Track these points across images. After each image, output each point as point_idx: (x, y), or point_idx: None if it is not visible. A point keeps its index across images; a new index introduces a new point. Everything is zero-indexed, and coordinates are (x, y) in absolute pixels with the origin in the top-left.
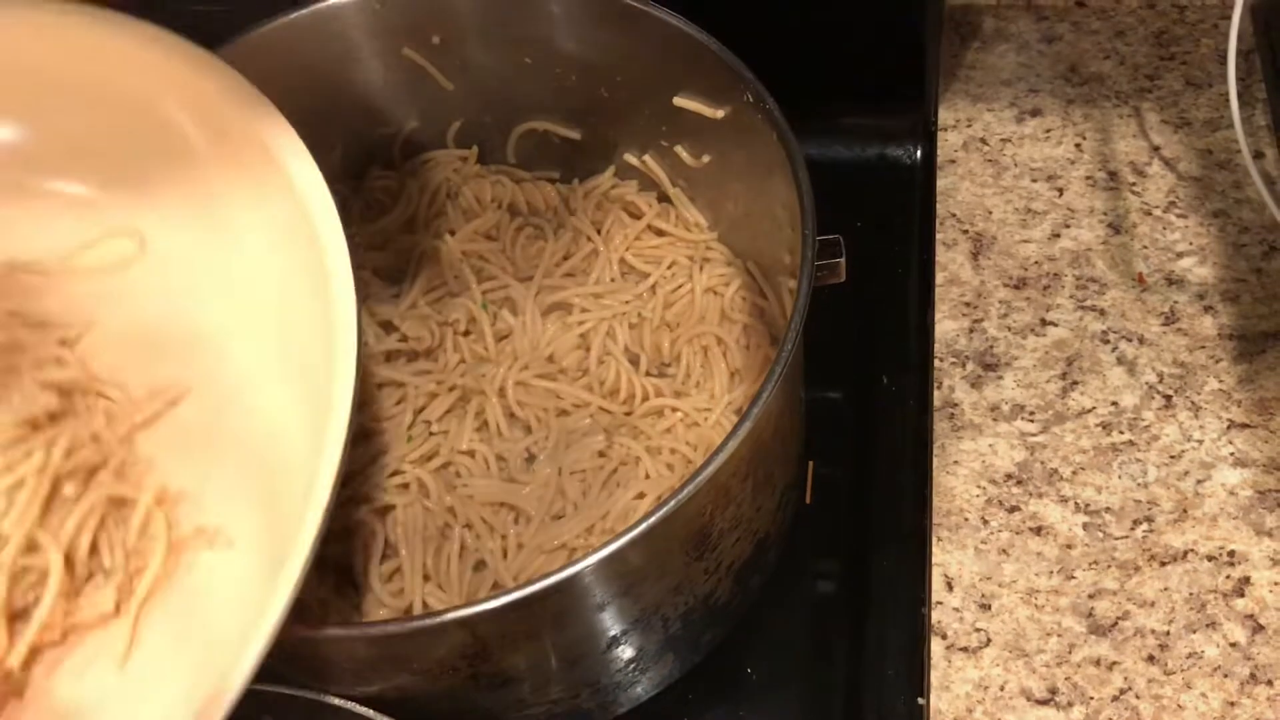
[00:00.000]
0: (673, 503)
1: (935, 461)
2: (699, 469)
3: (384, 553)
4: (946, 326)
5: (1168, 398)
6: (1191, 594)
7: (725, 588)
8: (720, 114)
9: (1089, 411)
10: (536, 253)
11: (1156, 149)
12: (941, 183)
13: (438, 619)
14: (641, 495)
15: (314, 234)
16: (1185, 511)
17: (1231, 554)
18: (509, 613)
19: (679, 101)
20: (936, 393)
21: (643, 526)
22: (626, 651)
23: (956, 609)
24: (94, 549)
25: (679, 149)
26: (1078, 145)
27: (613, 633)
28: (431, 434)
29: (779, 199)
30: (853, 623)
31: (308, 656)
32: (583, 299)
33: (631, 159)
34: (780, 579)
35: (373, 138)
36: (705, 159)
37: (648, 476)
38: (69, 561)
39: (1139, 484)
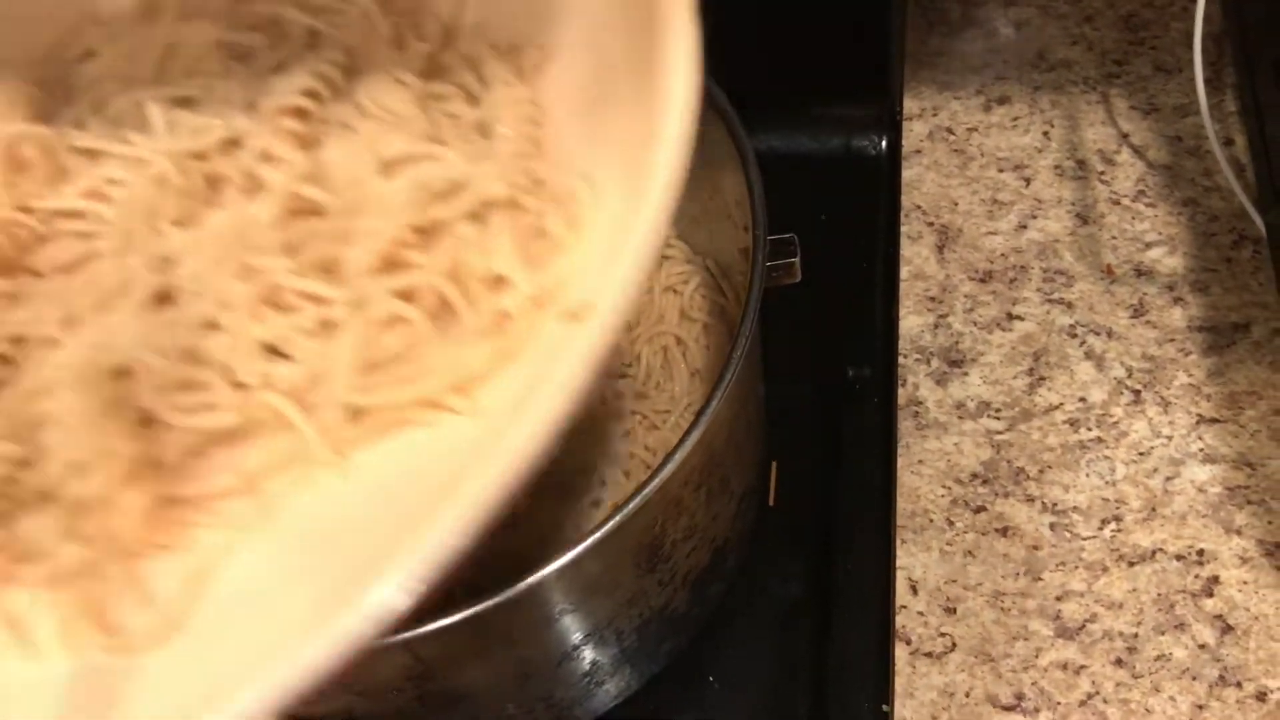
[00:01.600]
0: (618, 517)
1: (900, 461)
2: (644, 481)
3: None
4: (911, 322)
5: (1136, 393)
6: (1160, 594)
7: (682, 598)
8: None
9: (1056, 408)
10: None
11: (1125, 136)
12: (906, 174)
13: (380, 642)
14: (597, 503)
15: None
16: (1154, 510)
17: (1200, 553)
18: (449, 634)
19: None
20: (901, 390)
21: (586, 544)
22: (581, 665)
23: (921, 613)
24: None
25: None
26: (1045, 134)
27: (564, 648)
28: None
29: (732, 197)
30: (817, 628)
31: None
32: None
33: None
34: (743, 584)
35: None
36: None
37: (604, 483)
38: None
39: (1107, 482)
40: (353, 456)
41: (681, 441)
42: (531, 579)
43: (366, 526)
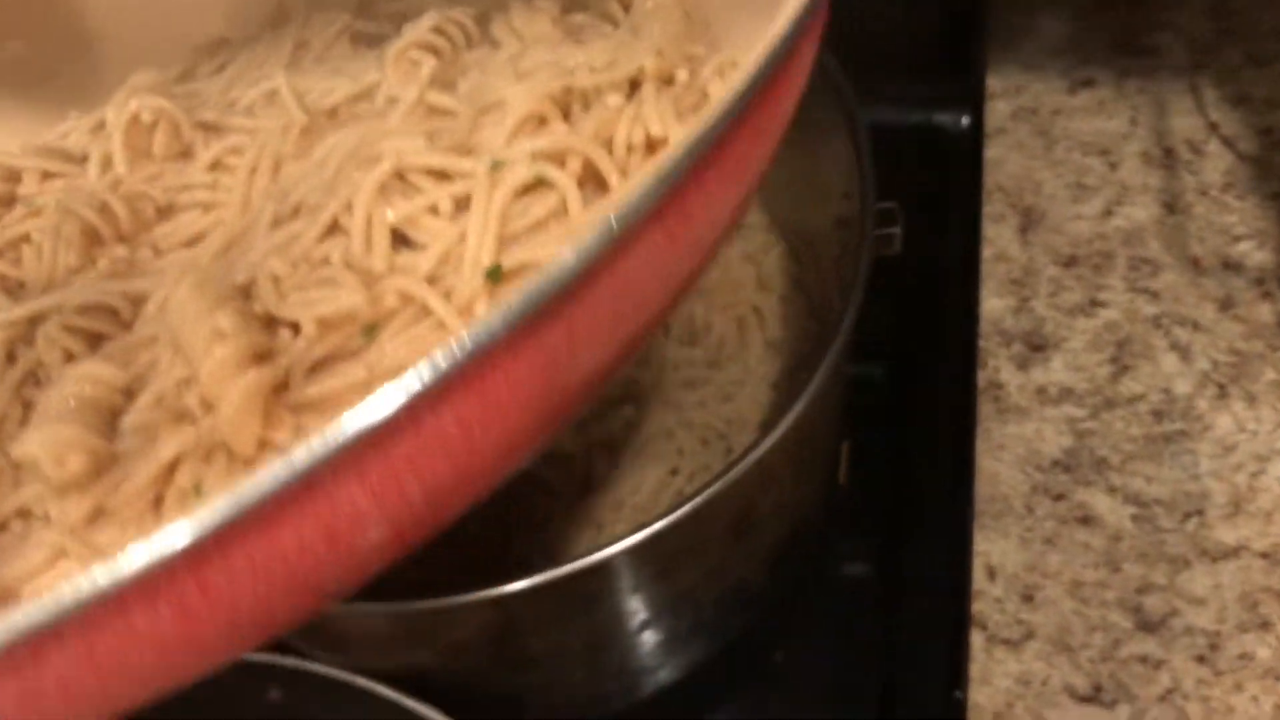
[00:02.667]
0: (718, 484)
1: (979, 445)
2: (747, 449)
3: None
4: (993, 304)
5: (1222, 386)
6: (1244, 592)
7: (761, 572)
8: None
9: (1140, 398)
10: None
11: (1214, 126)
12: (989, 153)
13: (468, 598)
14: (675, 470)
15: None
16: (1238, 506)
17: None
18: (535, 594)
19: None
20: (981, 373)
21: (688, 507)
22: (655, 636)
23: (998, 599)
24: None
25: None
26: (1132, 119)
27: (643, 616)
28: None
29: (831, 164)
30: (887, 610)
31: (325, 628)
32: None
33: None
34: (812, 562)
35: None
36: None
37: (681, 451)
38: None
39: (1190, 475)
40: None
41: (787, 411)
42: (625, 544)
43: None
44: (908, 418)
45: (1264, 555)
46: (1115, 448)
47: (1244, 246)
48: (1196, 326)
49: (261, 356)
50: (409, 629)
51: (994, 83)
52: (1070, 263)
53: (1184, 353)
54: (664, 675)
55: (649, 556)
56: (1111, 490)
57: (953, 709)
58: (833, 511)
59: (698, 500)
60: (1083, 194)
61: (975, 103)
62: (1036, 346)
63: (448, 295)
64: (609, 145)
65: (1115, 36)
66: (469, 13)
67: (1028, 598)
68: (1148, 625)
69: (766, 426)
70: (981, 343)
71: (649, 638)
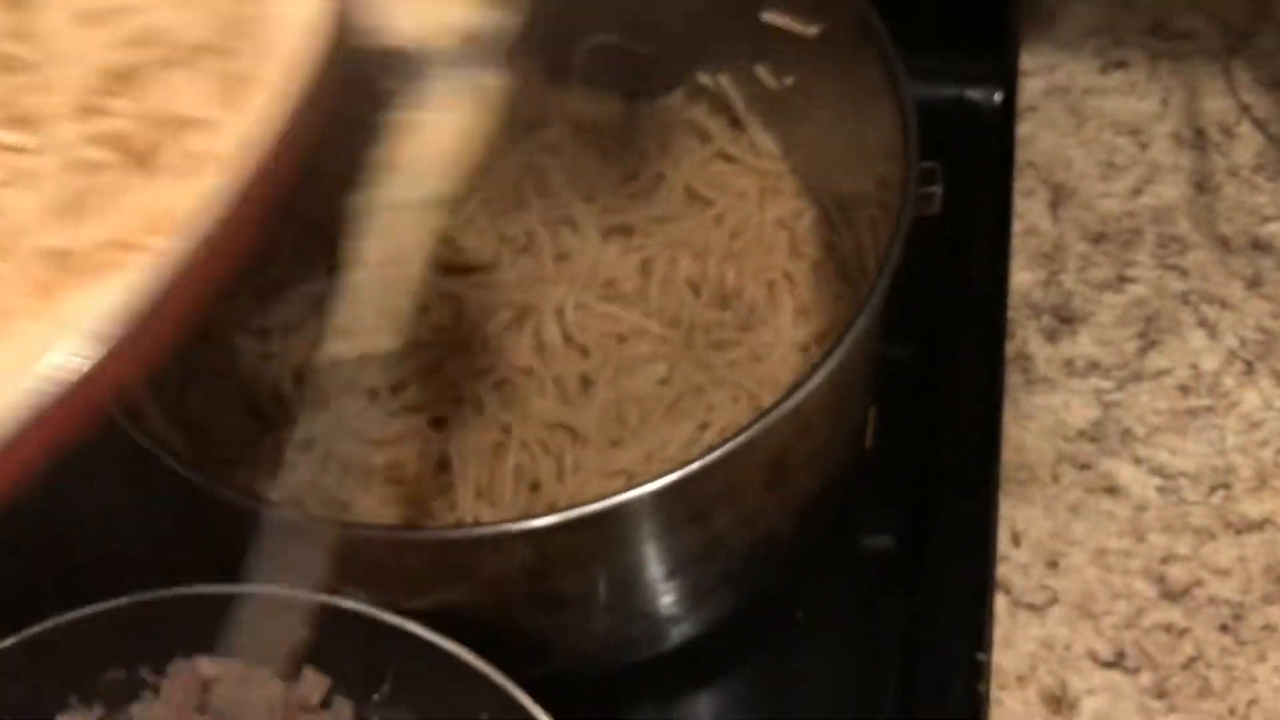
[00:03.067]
0: (758, 425)
1: (1006, 414)
2: (782, 396)
3: (436, 467)
4: (1022, 277)
5: (1249, 364)
6: (1269, 565)
7: (789, 524)
8: (813, 31)
9: (1167, 373)
10: (600, 172)
11: (1246, 109)
12: (1021, 130)
13: (500, 529)
14: (705, 425)
15: None
16: (1264, 481)
17: None
18: (572, 530)
19: (767, 17)
20: (1009, 344)
21: (725, 448)
22: (683, 584)
23: (1023, 565)
24: None
25: (760, 70)
26: (1164, 101)
27: (673, 562)
28: (487, 349)
29: (872, 124)
30: (911, 573)
31: (357, 561)
32: (646, 223)
33: (704, 79)
34: (837, 524)
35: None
36: (788, 81)
37: (711, 408)
38: None
39: (1216, 450)
40: (60, 305)
41: (831, 352)
42: (662, 481)
43: None
44: (935, 387)
45: None
46: (1141, 420)
47: (1273, 227)
48: (1224, 304)
49: None
50: (440, 562)
51: (1027, 60)
52: (1099, 239)
53: (1211, 330)
54: (688, 627)
55: (682, 500)
56: (1137, 461)
57: (975, 671)
58: (859, 477)
59: (732, 444)
60: (1113, 172)
61: (1008, 80)
62: (1065, 319)
63: (8, 258)
64: (159, 120)
65: (1149, 19)
66: None
67: (1052, 564)
68: (1171, 594)
69: (798, 384)
70: (1010, 314)
71: (677, 585)
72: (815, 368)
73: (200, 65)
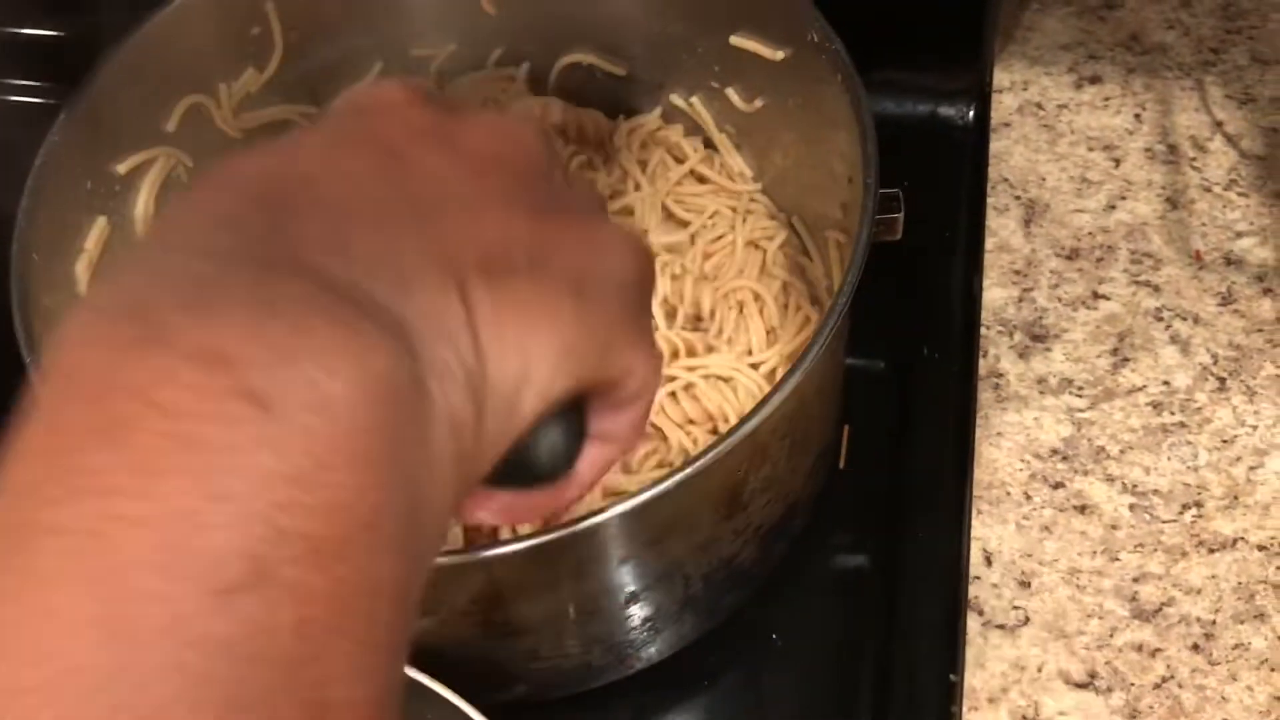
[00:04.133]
0: (710, 456)
1: (978, 432)
2: (740, 421)
3: None
4: (994, 294)
5: (1221, 380)
6: (1240, 583)
7: (750, 550)
8: (780, 55)
9: (1139, 390)
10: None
11: (1219, 124)
12: (994, 146)
13: (454, 560)
14: (652, 452)
15: None
16: (1236, 498)
17: None
18: (523, 558)
19: (736, 41)
20: (982, 361)
21: (677, 478)
22: (643, 609)
23: (995, 585)
24: None
25: (730, 92)
26: (1137, 116)
27: (631, 588)
28: None
29: (836, 148)
30: (884, 593)
31: None
32: None
33: (678, 100)
34: (810, 545)
35: (410, 58)
36: (758, 103)
37: (665, 438)
38: None
39: (1189, 467)
40: None
41: (780, 385)
42: (612, 511)
43: None
44: (910, 406)
45: (1261, 547)
46: (1114, 438)
47: (1246, 243)
48: (1197, 320)
49: None
50: None
51: (1001, 76)
52: (1072, 255)
53: (1184, 346)
54: (656, 650)
55: (636, 527)
56: (1109, 479)
57: (949, 692)
58: (832, 496)
59: (685, 473)
60: (1086, 188)
61: (981, 96)
62: (1037, 337)
63: None
64: None
65: (1123, 34)
66: None
67: (1024, 584)
68: (1143, 614)
69: (744, 420)
70: (983, 332)
71: (638, 611)
72: (763, 402)
73: None
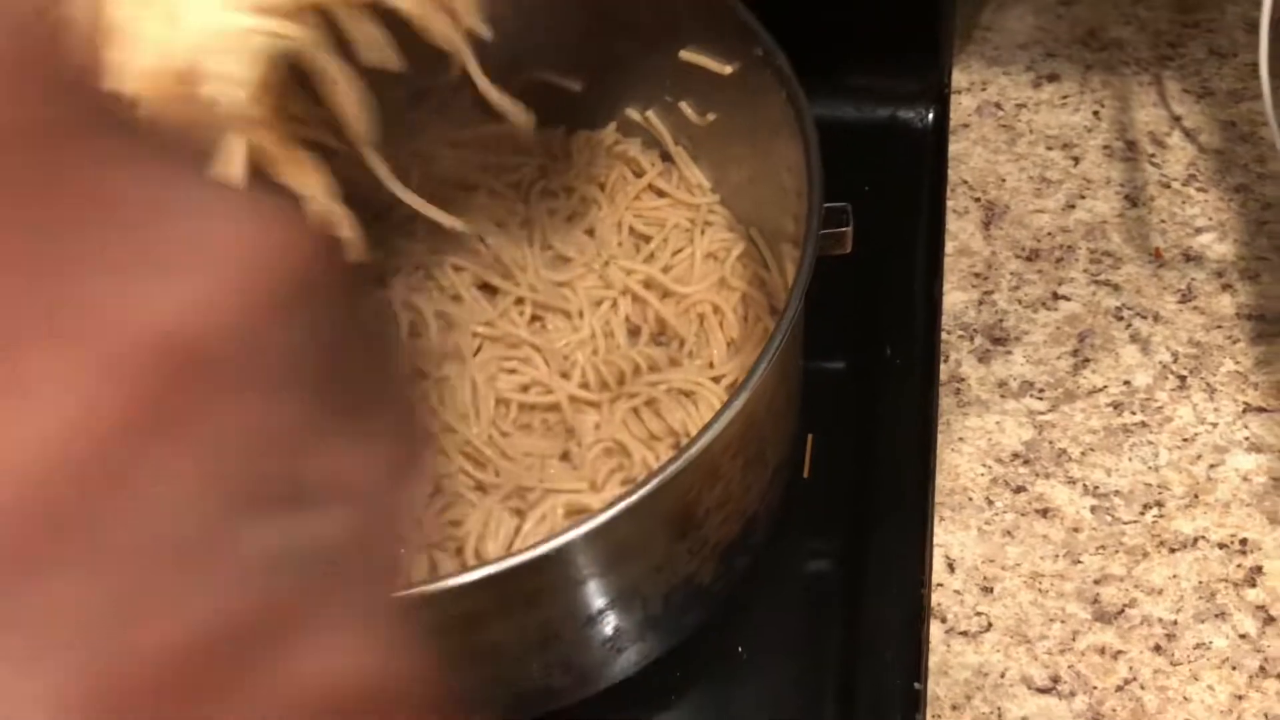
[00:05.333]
0: (656, 480)
1: (940, 438)
2: (686, 445)
3: None
4: (955, 298)
5: (1182, 378)
6: (1201, 582)
7: (709, 569)
8: (728, 70)
9: (1100, 390)
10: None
11: (1177, 119)
12: (953, 148)
13: (403, 593)
14: (618, 468)
15: None
16: (1197, 497)
17: (1244, 542)
18: (473, 590)
19: (685, 56)
20: (943, 366)
21: (620, 506)
22: (604, 631)
23: (957, 591)
24: None
25: (684, 105)
26: (1095, 113)
27: (589, 612)
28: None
29: (785, 163)
30: (849, 603)
31: None
32: (587, 261)
33: (634, 114)
34: (775, 556)
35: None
36: (710, 117)
37: (629, 455)
38: None
39: (1150, 467)
40: None
41: (725, 407)
42: (560, 539)
43: None
44: (873, 412)
45: (1221, 545)
46: (1075, 440)
47: (1205, 238)
48: (1157, 318)
49: None
50: None
51: (959, 77)
52: (1032, 256)
53: (1144, 345)
54: (619, 669)
55: (591, 551)
56: (1071, 482)
57: (912, 700)
58: (796, 506)
59: (636, 495)
60: (1045, 188)
61: (940, 98)
62: (998, 340)
63: None
64: None
65: (1081, 30)
66: None
67: (987, 589)
68: (1105, 616)
69: (688, 445)
70: (944, 336)
71: (597, 633)
72: (705, 429)
73: None
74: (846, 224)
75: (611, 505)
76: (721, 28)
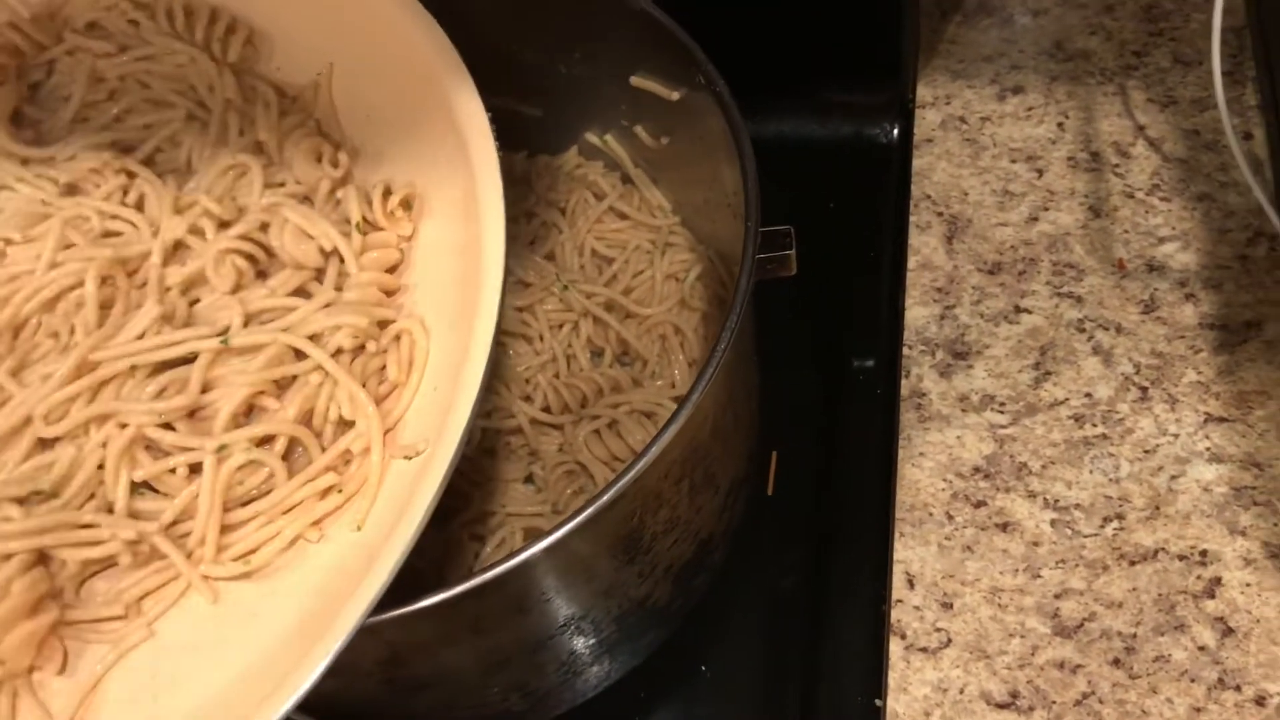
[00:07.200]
0: (592, 508)
1: (901, 453)
2: (620, 473)
3: None
4: (917, 313)
5: (1144, 389)
6: (1160, 595)
7: (664, 590)
8: (675, 95)
9: (1061, 403)
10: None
11: (1141, 129)
12: (917, 163)
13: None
14: (580, 490)
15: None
16: (1157, 509)
17: (1204, 553)
18: (416, 620)
19: (636, 81)
20: (904, 381)
21: (556, 535)
22: (557, 655)
23: (917, 607)
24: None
25: (639, 130)
26: (1060, 125)
27: (538, 637)
28: None
29: (731, 186)
30: (812, 620)
31: None
32: (547, 286)
33: (593, 139)
34: (739, 573)
35: None
36: (664, 141)
37: (592, 476)
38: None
39: (1110, 479)
40: (222, 583)
41: (658, 436)
42: (501, 568)
43: (240, 643)
44: (836, 428)
45: (1181, 557)
46: (1036, 453)
47: (1168, 248)
48: (1119, 330)
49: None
50: None
51: (924, 91)
52: (995, 269)
53: (1106, 356)
54: (578, 691)
55: (532, 578)
56: (1031, 496)
57: (872, 717)
58: (759, 524)
59: (573, 523)
60: (1009, 200)
61: (904, 112)
62: (959, 354)
63: (182, 545)
64: (311, 421)
65: (1046, 42)
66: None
67: (946, 605)
68: (1065, 630)
69: (618, 477)
70: (906, 351)
71: (550, 657)
72: (642, 452)
73: (347, 366)
74: (789, 247)
75: (549, 533)
76: (667, 54)
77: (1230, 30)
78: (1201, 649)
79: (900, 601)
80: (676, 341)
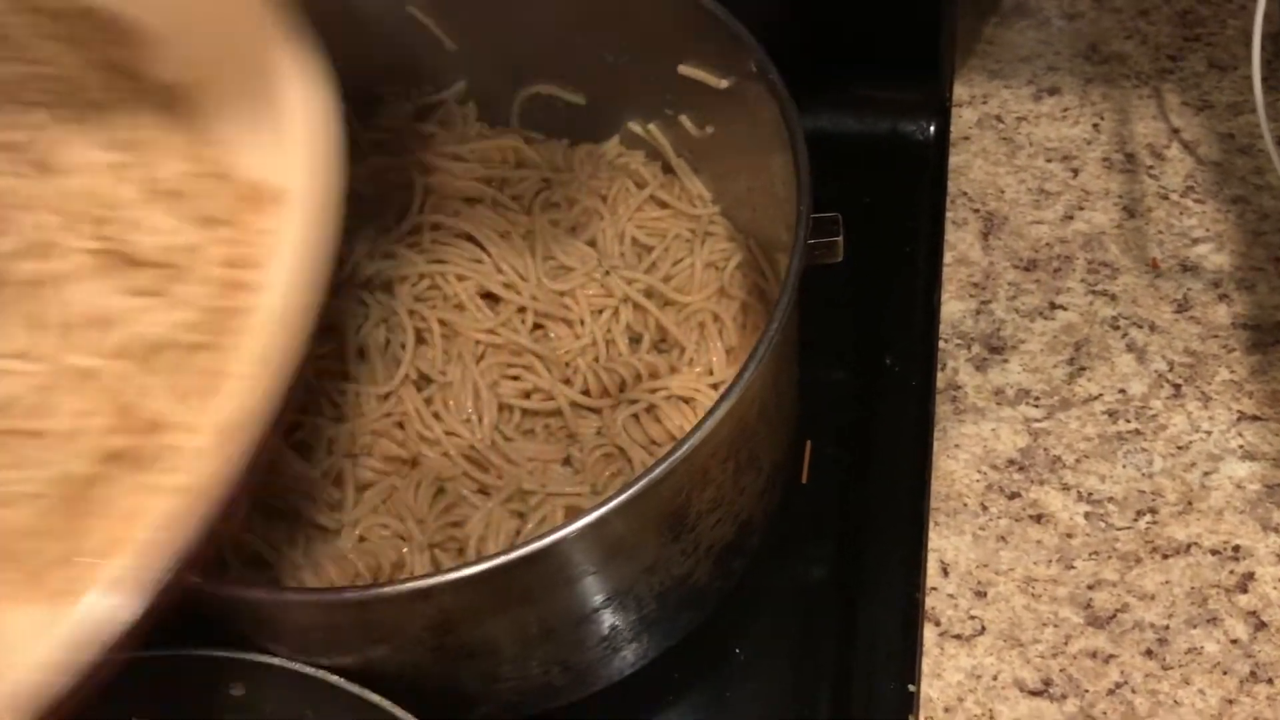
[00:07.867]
0: (641, 483)
1: (936, 445)
2: (672, 448)
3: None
4: (953, 307)
5: (1177, 387)
6: (1193, 588)
7: (704, 569)
8: (724, 84)
9: (1095, 399)
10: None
11: (1176, 132)
12: (954, 160)
13: (393, 589)
14: (619, 473)
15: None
16: (1190, 504)
17: (1236, 549)
18: (470, 585)
19: (684, 70)
20: (940, 374)
21: (609, 505)
22: (599, 629)
23: (951, 595)
24: None
25: (683, 119)
26: (1095, 126)
27: (584, 610)
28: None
29: (778, 174)
30: (845, 606)
31: (272, 623)
32: (589, 271)
33: (636, 128)
34: (772, 559)
35: (372, 96)
36: (709, 130)
37: (630, 461)
38: None
39: (1144, 474)
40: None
41: (711, 412)
42: (553, 536)
43: None
44: (871, 419)
45: (1214, 552)
46: (1070, 447)
47: (1202, 249)
48: (1153, 328)
49: None
50: (347, 621)
51: (961, 90)
52: (1030, 266)
53: (1140, 354)
54: (615, 669)
55: (583, 550)
56: (1065, 488)
57: (906, 703)
58: (794, 510)
59: (625, 495)
60: (1044, 199)
61: (941, 111)
62: (995, 348)
63: None
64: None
65: (1082, 44)
66: None
67: (980, 594)
68: (1098, 620)
69: (673, 449)
70: (941, 344)
71: (593, 632)
72: (696, 427)
73: (182, 364)
74: (837, 234)
75: (601, 505)
76: (717, 42)
77: (1266, 36)
78: (1234, 642)
79: (934, 589)
80: (715, 329)
